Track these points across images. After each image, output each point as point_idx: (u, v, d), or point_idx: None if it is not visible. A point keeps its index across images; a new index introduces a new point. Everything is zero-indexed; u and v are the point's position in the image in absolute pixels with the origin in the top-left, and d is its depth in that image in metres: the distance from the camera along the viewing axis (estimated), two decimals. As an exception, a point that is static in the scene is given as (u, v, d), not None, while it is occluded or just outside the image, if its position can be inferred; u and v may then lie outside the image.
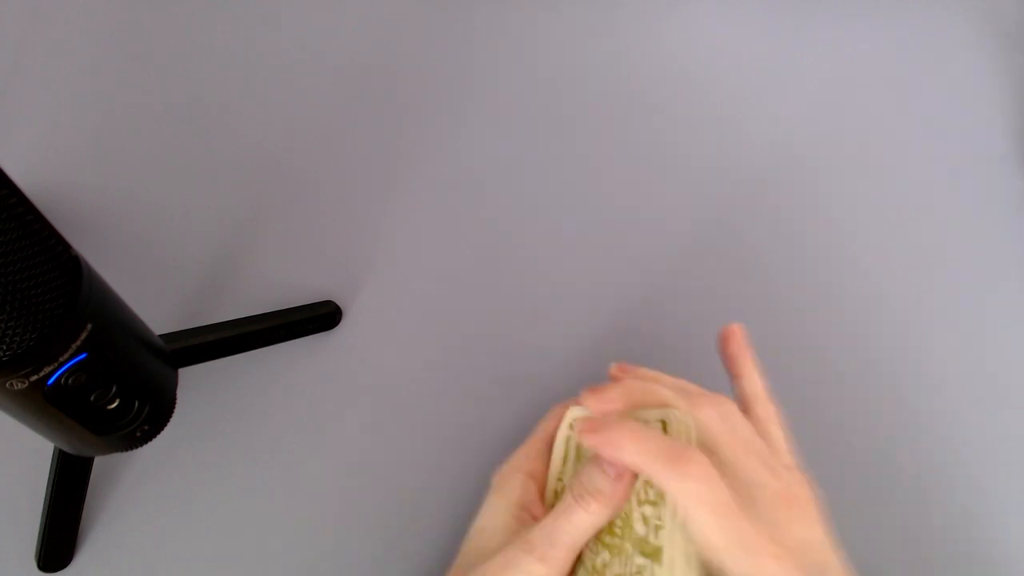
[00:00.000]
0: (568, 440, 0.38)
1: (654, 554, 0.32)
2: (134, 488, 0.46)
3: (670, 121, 0.60)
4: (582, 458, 0.37)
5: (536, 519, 0.35)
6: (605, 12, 0.65)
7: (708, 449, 0.33)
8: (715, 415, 0.34)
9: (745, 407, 0.38)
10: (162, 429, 0.39)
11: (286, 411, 0.49)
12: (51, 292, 0.30)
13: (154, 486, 0.46)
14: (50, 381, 0.31)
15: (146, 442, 0.39)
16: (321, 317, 0.51)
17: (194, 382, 0.47)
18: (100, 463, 0.46)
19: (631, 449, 0.32)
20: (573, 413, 0.38)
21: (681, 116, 0.61)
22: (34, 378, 0.31)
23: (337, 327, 0.52)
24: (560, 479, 0.37)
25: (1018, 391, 0.51)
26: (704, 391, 0.37)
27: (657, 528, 0.33)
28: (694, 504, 0.31)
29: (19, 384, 0.31)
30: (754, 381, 0.39)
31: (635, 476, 0.34)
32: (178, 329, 0.46)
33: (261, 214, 0.56)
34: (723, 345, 0.40)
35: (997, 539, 0.46)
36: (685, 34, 0.65)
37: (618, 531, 0.34)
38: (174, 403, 0.40)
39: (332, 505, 0.46)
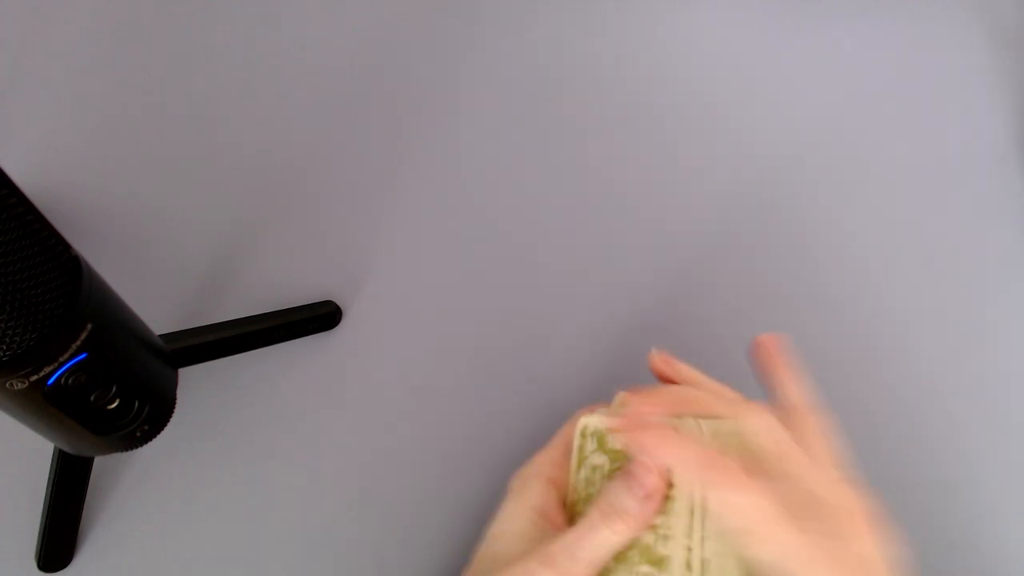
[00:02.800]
0: (581, 449, 0.37)
1: (659, 563, 0.32)
2: (134, 488, 0.46)
3: (672, 122, 0.60)
4: (594, 467, 0.36)
5: (556, 527, 0.34)
6: (606, 14, 0.65)
7: (756, 460, 0.32)
8: (762, 425, 0.33)
9: (784, 419, 0.36)
10: (162, 429, 0.39)
11: (286, 411, 0.49)
12: (51, 292, 0.30)
13: (154, 486, 0.46)
14: (50, 381, 0.31)
15: (146, 442, 0.39)
16: (321, 317, 0.51)
17: (194, 382, 0.47)
18: (100, 463, 0.46)
19: (669, 453, 0.31)
20: (586, 421, 0.37)
21: (683, 117, 0.61)
22: (34, 378, 0.31)
23: (337, 327, 0.52)
24: (575, 489, 0.37)
25: (1020, 390, 0.51)
26: (745, 400, 0.35)
27: (665, 538, 0.32)
28: (739, 515, 0.30)
29: (19, 384, 0.31)
30: (791, 392, 0.37)
31: (663, 496, 0.33)
32: (178, 329, 0.46)
33: (261, 214, 0.56)
34: (754, 358, 0.39)
35: (997, 541, 0.46)
36: (686, 36, 0.65)
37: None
38: (174, 403, 0.40)
39: (332, 505, 0.46)
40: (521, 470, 0.38)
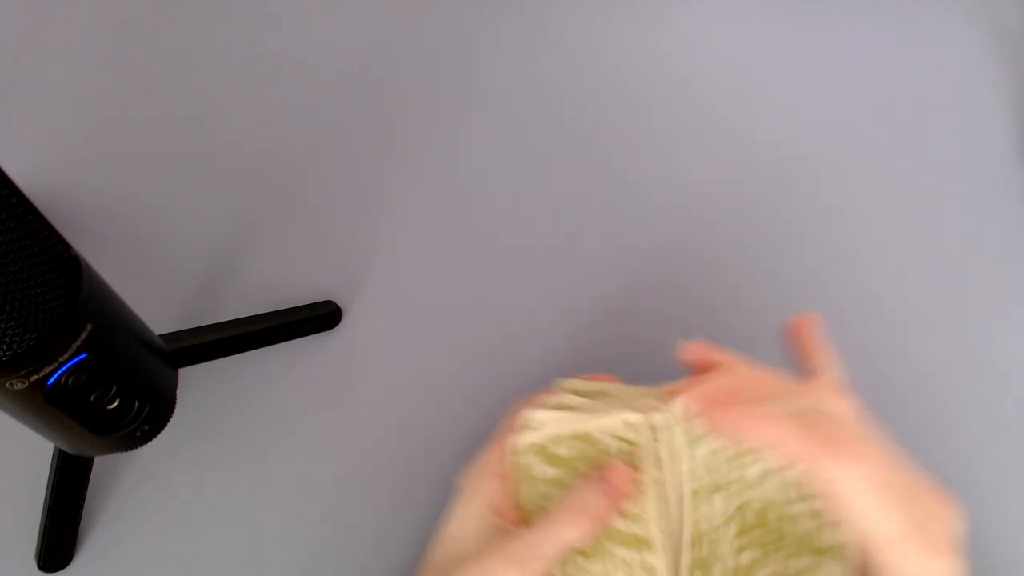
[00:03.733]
0: (528, 468, 0.36)
1: (641, 544, 0.33)
2: (134, 488, 0.46)
3: (672, 122, 0.60)
4: (548, 480, 0.35)
5: (509, 522, 0.35)
6: (605, 14, 0.65)
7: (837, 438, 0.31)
8: (849, 408, 0.32)
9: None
10: (162, 429, 0.39)
11: (286, 411, 0.49)
12: (51, 292, 0.30)
13: (154, 486, 0.46)
14: (50, 381, 0.31)
15: (146, 442, 0.39)
16: (321, 317, 0.51)
17: (194, 382, 0.47)
18: (100, 463, 0.46)
19: (767, 432, 0.30)
20: (516, 441, 0.36)
21: (682, 117, 0.61)
22: (34, 378, 0.31)
23: (337, 327, 0.52)
24: (521, 507, 0.36)
25: (1019, 390, 0.51)
26: (804, 380, 0.34)
27: (638, 519, 0.33)
28: (865, 487, 0.29)
29: (19, 384, 0.31)
30: (836, 375, 0.35)
31: (625, 494, 0.33)
32: (178, 329, 0.46)
33: (261, 214, 0.56)
34: (795, 336, 0.37)
35: (997, 541, 0.46)
36: (686, 36, 0.65)
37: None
38: (174, 403, 0.40)
39: (332, 505, 0.46)
40: (469, 469, 0.37)
